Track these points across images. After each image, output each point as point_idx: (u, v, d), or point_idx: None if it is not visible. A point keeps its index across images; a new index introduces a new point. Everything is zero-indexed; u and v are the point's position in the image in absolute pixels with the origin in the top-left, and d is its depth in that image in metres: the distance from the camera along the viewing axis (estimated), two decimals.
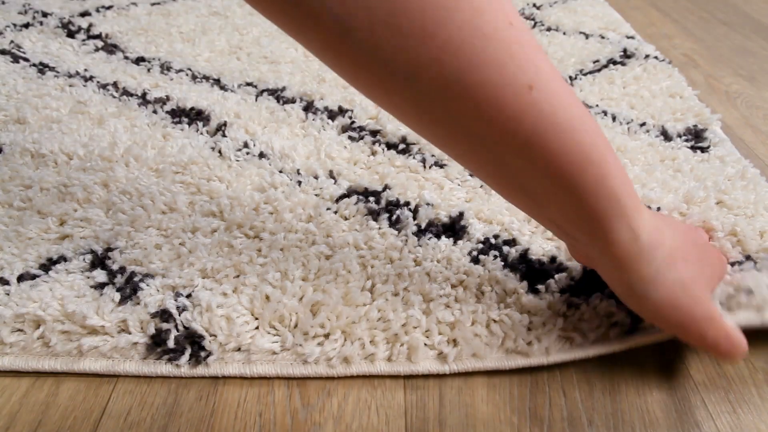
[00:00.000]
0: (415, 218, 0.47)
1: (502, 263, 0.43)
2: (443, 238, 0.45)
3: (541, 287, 0.41)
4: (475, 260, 0.43)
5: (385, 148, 0.57)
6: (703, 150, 0.57)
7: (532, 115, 0.28)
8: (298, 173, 0.53)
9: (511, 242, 0.45)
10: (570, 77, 0.70)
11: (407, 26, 0.26)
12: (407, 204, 0.49)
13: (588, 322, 0.39)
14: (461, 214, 0.47)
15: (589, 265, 0.40)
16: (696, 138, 0.58)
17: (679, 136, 0.58)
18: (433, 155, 0.56)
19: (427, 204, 0.49)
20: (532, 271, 0.42)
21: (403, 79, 0.28)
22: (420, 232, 0.46)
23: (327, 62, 0.31)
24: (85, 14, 0.88)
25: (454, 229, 0.46)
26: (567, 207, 0.32)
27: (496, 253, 0.44)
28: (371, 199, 0.49)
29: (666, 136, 0.58)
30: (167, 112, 0.62)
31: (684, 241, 0.36)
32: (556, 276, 0.42)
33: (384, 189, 0.51)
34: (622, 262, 0.33)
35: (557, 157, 0.29)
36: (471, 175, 0.53)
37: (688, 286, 0.34)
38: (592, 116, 0.32)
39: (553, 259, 0.43)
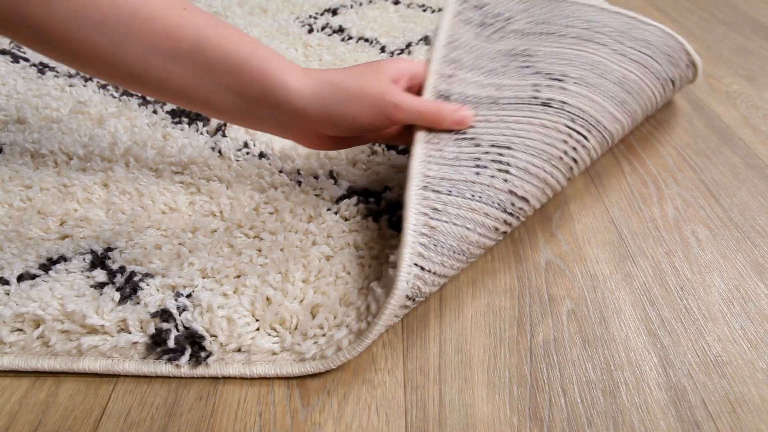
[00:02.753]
0: None
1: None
2: None
3: None
4: None
5: (385, 149, 0.57)
6: None
7: (190, 24, 0.39)
8: (298, 173, 0.53)
9: None
10: None
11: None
12: None
13: None
14: None
15: (300, 139, 0.47)
16: None
17: None
18: None
19: None
20: None
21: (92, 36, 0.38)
22: None
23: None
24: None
25: None
26: (240, 87, 0.41)
27: None
28: (371, 199, 0.49)
29: None
30: (167, 112, 0.62)
31: (346, 70, 0.43)
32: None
33: (384, 190, 0.51)
34: (292, 106, 0.42)
35: (215, 53, 0.40)
36: None
37: (343, 84, 0.42)
38: (238, 29, 0.42)
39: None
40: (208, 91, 0.41)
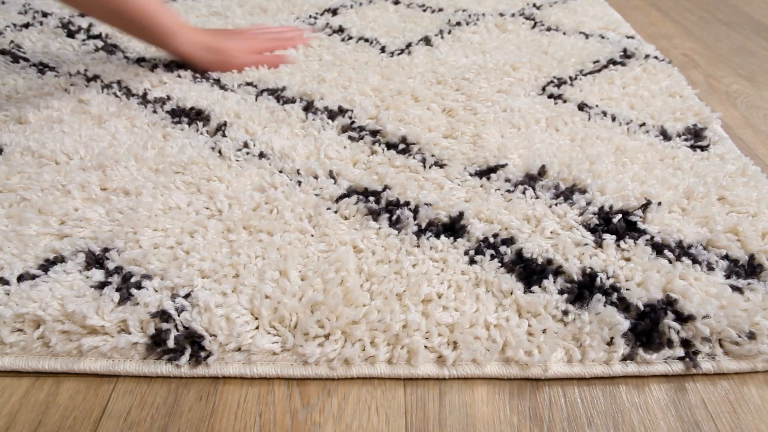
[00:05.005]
0: (415, 218, 0.47)
1: (499, 263, 0.43)
2: (443, 237, 0.45)
3: (536, 288, 0.41)
4: (472, 260, 0.43)
5: (385, 148, 0.57)
6: (703, 149, 0.57)
7: None
8: (298, 173, 0.53)
9: (509, 241, 0.45)
10: (570, 77, 0.70)
11: None
12: (407, 204, 0.49)
13: (590, 336, 0.38)
14: (461, 214, 0.47)
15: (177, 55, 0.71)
16: (695, 137, 0.58)
17: (679, 135, 0.58)
18: (433, 155, 0.55)
19: (427, 204, 0.49)
20: (529, 271, 0.42)
21: None
22: (420, 232, 0.46)
23: None
24: (85, 14, 0.87)
25: (453, 228, 0.46)
26: (144, 34, 0.67)
27: (493, 252, 0.44)
28: (371, 198, 0.49)
29: (665, 135, 0.59)
30: (167, 111, 0.62)
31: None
32: (555, 278, 0.41)
33: (384, 189, 0.51)
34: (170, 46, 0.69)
35: (130, 11, 0.62)
36: (471, 175, 0.53)
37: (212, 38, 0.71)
38: None
39: (549, 261, 0.43)
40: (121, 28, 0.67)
